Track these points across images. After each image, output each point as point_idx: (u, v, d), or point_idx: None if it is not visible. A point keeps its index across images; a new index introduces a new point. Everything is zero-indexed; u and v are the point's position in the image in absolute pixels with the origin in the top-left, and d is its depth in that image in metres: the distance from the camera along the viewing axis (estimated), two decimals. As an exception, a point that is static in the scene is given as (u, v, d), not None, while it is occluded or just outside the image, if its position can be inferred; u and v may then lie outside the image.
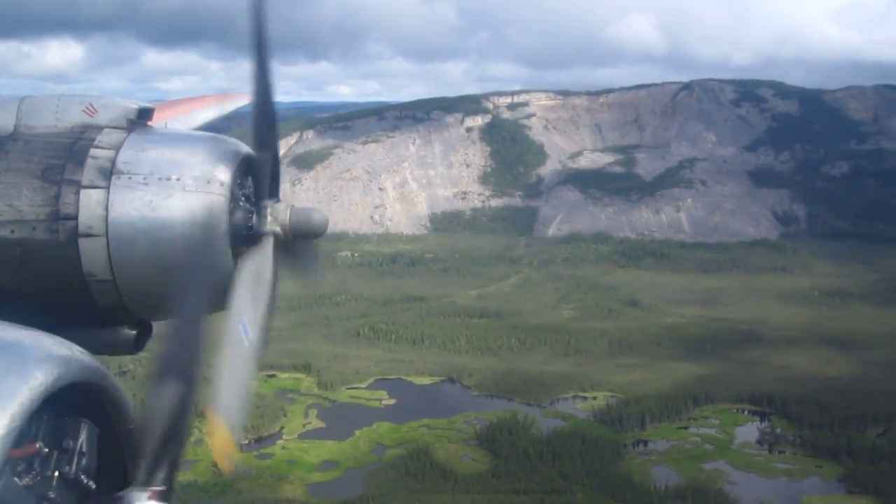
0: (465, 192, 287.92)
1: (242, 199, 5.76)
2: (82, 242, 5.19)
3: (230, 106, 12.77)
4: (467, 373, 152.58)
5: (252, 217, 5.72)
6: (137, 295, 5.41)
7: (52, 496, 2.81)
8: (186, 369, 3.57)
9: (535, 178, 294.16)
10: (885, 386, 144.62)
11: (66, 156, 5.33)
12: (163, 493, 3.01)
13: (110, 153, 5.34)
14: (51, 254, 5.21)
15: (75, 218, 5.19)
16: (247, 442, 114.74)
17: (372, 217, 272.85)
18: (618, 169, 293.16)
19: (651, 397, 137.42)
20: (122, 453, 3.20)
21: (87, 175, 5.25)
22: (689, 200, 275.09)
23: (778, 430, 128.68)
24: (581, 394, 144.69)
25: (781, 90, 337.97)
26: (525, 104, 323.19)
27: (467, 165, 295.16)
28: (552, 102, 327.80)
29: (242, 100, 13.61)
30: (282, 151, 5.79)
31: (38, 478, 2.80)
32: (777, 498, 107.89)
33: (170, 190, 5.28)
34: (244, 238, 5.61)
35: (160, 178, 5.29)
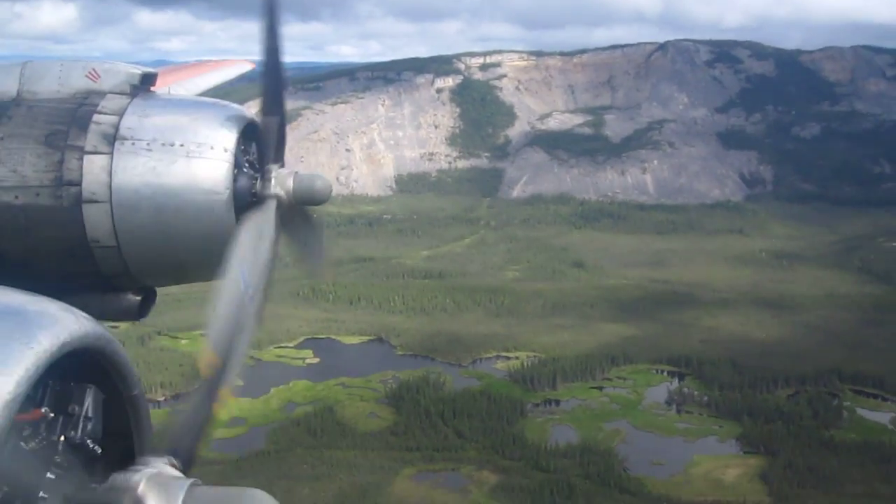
0: (431, 154, 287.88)
1: (246, 164, 5.78)
2: (86, 208, 5.19)
3: (233, 72, 12.77)
4: (396, 333, 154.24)
5: (256, 183, 5.73)
6: (141, 261, 5.41)
7: (59, 460, 2.84)
8: (225, 351, 3.85)
9: (504, 140, 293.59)
10: (807, 348, 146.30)
11: (69, 121, 5.33)
12: (181, 461, 3.06)
13: (114, 119, 5.34)
14: (55, 220, 5.21)
15: (79, 184, 5.19)
16: (163, 398, 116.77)
17: (338, 178, 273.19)
18: (587, 130, 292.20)
19: (569, 358, 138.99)
20: (127, 418, 3.24)
21: (91, 141, 5.25)
22: (656, 162, 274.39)
23: (686, 391, 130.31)
24: (505, 354, 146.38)
25: (758, 51, 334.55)
26: (497, 65, 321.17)
27: (436, 126, 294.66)
28: (525, 63, 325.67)
29: (245, 66, 14.17)
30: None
31: (44, 442, 2.82)
32: (669, 457, 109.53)
33: (173, 156, 5.29)
34: (248, 204, 5.64)
35: (164, 144, 5.30)
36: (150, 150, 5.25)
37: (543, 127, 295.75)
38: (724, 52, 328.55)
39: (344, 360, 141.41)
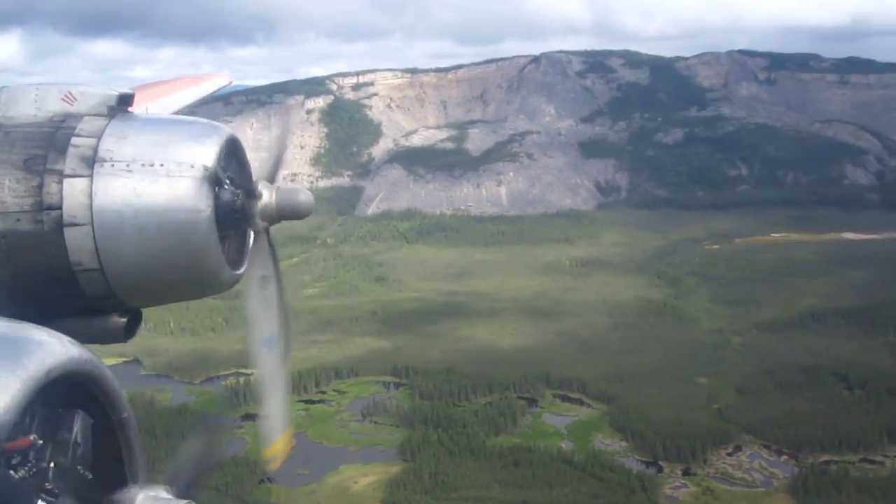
0: (294, 174, 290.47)
1: (227, 181, 5.78)
2: (68, 232, 5.18)
3: (210, 87, 12.67)
4: (154, 353, 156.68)
5: (237, 199, 5.76)
6: (126, 282, 5.40)
7: (49, 487, 2.82)
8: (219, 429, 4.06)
9: (367, 158, 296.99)
10: (548, 354, 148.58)
11: (47, 145, 5.30)
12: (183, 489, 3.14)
13: (92, 141, 5.32)
14: (36, 244, 5.19)
15: (59, 207, 5.18)
16: None
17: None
18: (449, 145, 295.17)
19: (292, 373, 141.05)
20: (117, 442, 3.26)
21: (70, 164, 5.23)
22: (511, 174, 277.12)
23: (388, 401, 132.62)
24: (241, 370, 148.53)
25: (633, 59, 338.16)
26: (370, 84, 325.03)
27: (301, 147, 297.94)
28: (399, 81, 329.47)
29: (222, 80, 14.08)
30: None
31: (34, 470, 2.81)
32: (320, 466, 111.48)
33: (154, 176, 5.29)
34: (230, 221, 5.69)
35: (143, 165, 5.31)
36: (129, 170, 5.28)
37: (407, 143, 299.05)
38: (597, 62, 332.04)
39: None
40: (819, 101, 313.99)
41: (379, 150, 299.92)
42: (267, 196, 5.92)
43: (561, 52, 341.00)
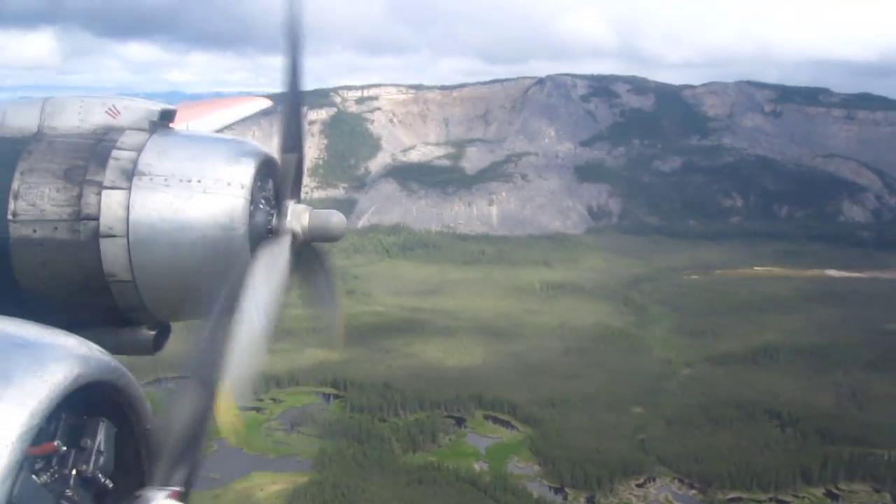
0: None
1: (262, 201, 5.79)
2: (103, 243, 5.23)
3: (250, 108, 12.88)
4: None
5: (272, 219, 5.75)
6: (157, 296, 5.42)
7: (70, 494, 2.82)
8: (208, 374, 3.71)
9: (364, 171, 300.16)
10: (490, 375, 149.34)
11: (88, 156, 5.37)
12: (181, 493, 3.07)
13: (132, 154, 5.40)
14: (72, 254, 5.23)
15: (97, 218, 5.23)
16: None
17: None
18: (445, 163, 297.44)
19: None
20: (140, 453, 3.24)
21: (109, 176, 5.30)
22: (504, 194, 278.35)
23: (319, 412, 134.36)
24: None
25: (639, 86, 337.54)
26: (375, 98, 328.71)
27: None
28: (404, 97, 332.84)
29: (263, 102, 14.25)
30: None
31: (56, 476, 2.82)
32: (231, 472, 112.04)
33: (190, 192, 5.34)
34: (264, 240, 5.67)
35: (181, 180, 5.35)
36: (167, 185, 5.33)
37: (405, 159, 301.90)
38: (602, 87, 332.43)
39: None
40: (824, 135, 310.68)
41: (376, 164, 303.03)
42: (300, 220, 5.88)
43: (567, 74, 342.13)
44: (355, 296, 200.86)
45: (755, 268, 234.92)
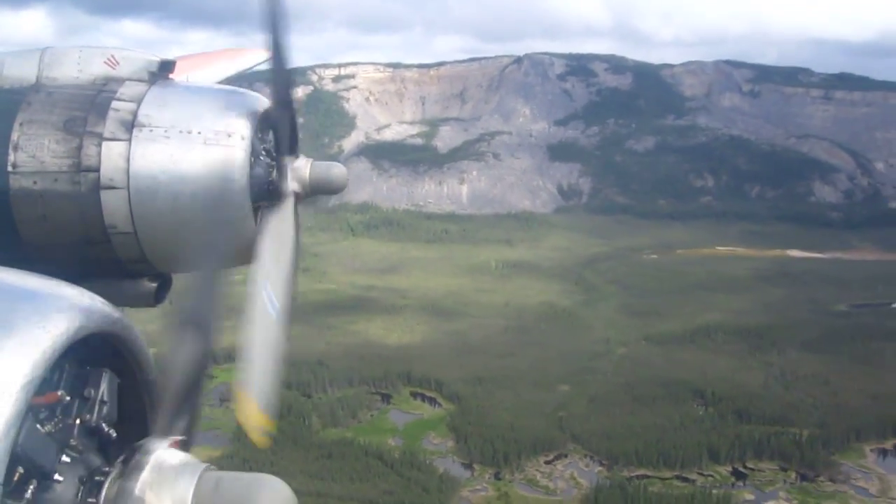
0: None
1: (263, 153, 5.72)
2: (104, 194, 5.21)
3: (251, 60, 12.54)
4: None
5: (272, 171, 5.67)
6: (158, 247, 5.41)
7: (74, 443, 2.85)
8: (205, 320, 3.48)
9: (337, 150, 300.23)
10: (425, 352, 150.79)
11: (88, 108, 5.33)
12: (182, 442, 3.03)
13: (132, 106, 5.36)
14: (73, 205, 5.23)
15: (97, 170, 5.20)
16: None
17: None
18: (418, 141, 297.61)
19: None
20: (143, 403, 3.25)
21: (109, 127, 5.27)
22: (475, 173, 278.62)
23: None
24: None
25: (617, 65, 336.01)
26: (352, 76, 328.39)
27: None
28: (381, 75, 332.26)
29: (263, 54, 13.36)
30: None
31: (60, 425, 2.84)
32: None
33: (191, 143, 5.31)
34: (264, 193, 5.61)
35: (181, 132, 5.33)
36: (167, 137, 5.31)
37: (378, 137, 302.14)
38: (580, 66, 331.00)
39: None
40: (800, 116, 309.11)
41: (350, 142, 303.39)
42: (301, 170, 5.87)
43: (545, 53, 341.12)
44: (310, 274, 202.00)
45: (717, 248, 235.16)
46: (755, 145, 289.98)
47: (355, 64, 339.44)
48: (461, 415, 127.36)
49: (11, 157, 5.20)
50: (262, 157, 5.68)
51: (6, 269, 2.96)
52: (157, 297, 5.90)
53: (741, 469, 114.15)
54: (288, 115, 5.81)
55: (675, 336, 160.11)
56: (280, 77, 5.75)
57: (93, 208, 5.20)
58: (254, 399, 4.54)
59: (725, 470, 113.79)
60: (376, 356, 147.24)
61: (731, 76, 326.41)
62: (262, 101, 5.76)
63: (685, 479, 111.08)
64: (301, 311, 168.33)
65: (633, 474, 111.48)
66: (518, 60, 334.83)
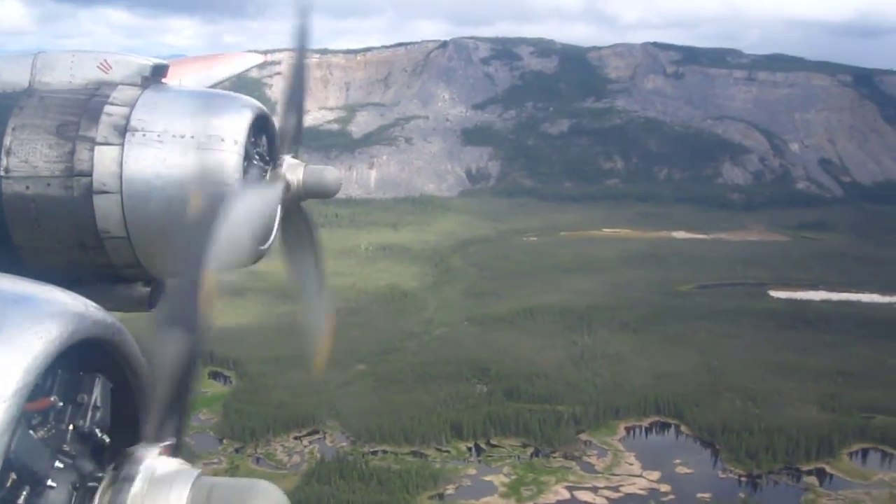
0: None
1: (256, 157, 5.76)
2: (97, 199, 5.18)
3: (244, 64, 12.98)
4: None
5: (266, 175, 5.77)
6: (151, 252, 5.39)
7: (67, 449, 2.78)
8: (193, 322, 3.30)
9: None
10: (245, 334, 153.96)
11: (80, 112, 5.33)
12: (172, 446, 2.95)
13: (125, 110, 5.36)
14: (65, 210, 5.20)
15: (90, 175, 5.17)
16: None
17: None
18: (334, 126, 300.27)
19: None
20: (136, 409, 3.15)
21: (102, 132, 5.25)
22: (385, 158, 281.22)
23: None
24: None
25: (544, 48, 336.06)
26: (277, 63, 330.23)
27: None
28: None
29: (256, 58, 14.17)
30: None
31: (53, 431, 2.78)
32: None
33: (184, 147, 5.29)
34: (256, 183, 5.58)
35: (174, 136, 5.31)
36: (160, 141, 5.29)
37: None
38: (505, 50, 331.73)
39: None
40: (722, 97, 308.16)
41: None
42: (295, 174, 5.93)
43: (470, 38, 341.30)
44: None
45: (604, 230, 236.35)
46: (669, 127, 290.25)
47: (282, 50, 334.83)
48: (243, 393, 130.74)
49: (4, 162, 5.24)
50: (255, 162, 5.78)
51: None
52: (150, 302, 5.90)
53: (482, 445, 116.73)
54: (296, 117, 6.34)
55: (498, 317, 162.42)
56: (297, 82, 6.48)
57: (86, 213, 5.23)
58: (317, 342, 5.67)
59: (466, 446, 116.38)
60: (221, 340, 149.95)
61: (657, 58, 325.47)
62: (256, 104, 5.89)
63: (420, 455, 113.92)
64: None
65: (373, 450, 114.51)
66: (443, 45, 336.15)
